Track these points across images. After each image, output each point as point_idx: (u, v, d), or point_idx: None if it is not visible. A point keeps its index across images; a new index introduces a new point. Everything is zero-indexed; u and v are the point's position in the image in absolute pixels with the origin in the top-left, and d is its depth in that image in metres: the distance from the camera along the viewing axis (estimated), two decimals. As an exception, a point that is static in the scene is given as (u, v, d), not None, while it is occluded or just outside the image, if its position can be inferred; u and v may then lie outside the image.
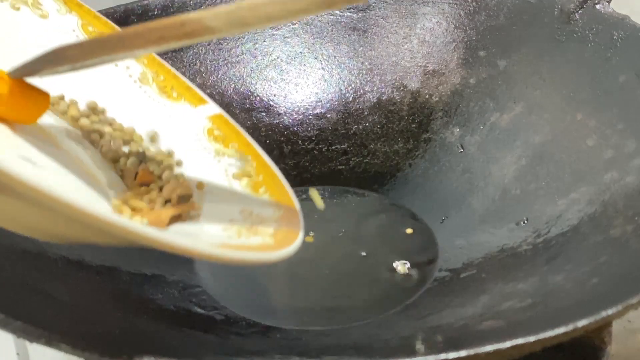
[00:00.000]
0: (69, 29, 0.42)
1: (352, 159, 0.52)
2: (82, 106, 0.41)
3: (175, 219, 0.36)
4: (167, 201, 0.37)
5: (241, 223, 0.36)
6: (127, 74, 0.43)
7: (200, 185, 0.39)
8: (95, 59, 0.33)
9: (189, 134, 0.42)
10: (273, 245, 0.34)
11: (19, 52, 0.37)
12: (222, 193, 0.40)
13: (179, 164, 0.41)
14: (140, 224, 0.33)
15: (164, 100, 0.43)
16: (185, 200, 0.37)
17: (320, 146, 0.53)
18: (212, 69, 0.53)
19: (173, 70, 0.44)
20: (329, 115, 0.53)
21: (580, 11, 0.48)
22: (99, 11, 0.44)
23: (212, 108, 0.43)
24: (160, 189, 0.38)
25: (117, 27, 0.43)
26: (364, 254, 0.45)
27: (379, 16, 0.54)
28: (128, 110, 0.42)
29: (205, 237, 0.34)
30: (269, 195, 0.39)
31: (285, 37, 0.55)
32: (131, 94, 0.43)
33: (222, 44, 0.54)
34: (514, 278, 0.40)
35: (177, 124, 0.42)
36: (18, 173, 0.25)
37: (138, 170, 0.38)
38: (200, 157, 0.42)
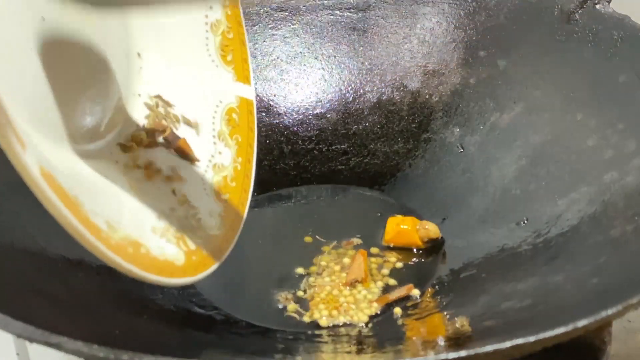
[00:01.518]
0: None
1: (352, 159, 0.52)
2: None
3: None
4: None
5: (176, 220, 0.35)
6: (205, 14, 0.41)
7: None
8: None
9: (211, 100, 0.41)
10: (181, 266, 0.34)
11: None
12: (191, 173, 0.39)
13: (187, 122, 0.40)
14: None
15: (216, 56, 0.41)
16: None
17: (320, 146, 0.53)
18: (212, 69, 0.53)
19: (245, 37, 0.42)
20: (329, 115, 0.53)
21: (580, 11, 0.48)
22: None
23: (248, 91, 0.42)
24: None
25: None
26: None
27: (379, 16, 0.54)
28: (179, 43, 0.40)
29: (137, 222, 0.34)
30: (225, 206, 0.38)
31: (285, 37, 0.55)
32: (194, 31, 0.41)
33: (222, 44, 0.54)
34: (514, 278, 0.40)
35: (209, 84, 0.41)
36: None
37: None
38: (204, 126, 0.40)
